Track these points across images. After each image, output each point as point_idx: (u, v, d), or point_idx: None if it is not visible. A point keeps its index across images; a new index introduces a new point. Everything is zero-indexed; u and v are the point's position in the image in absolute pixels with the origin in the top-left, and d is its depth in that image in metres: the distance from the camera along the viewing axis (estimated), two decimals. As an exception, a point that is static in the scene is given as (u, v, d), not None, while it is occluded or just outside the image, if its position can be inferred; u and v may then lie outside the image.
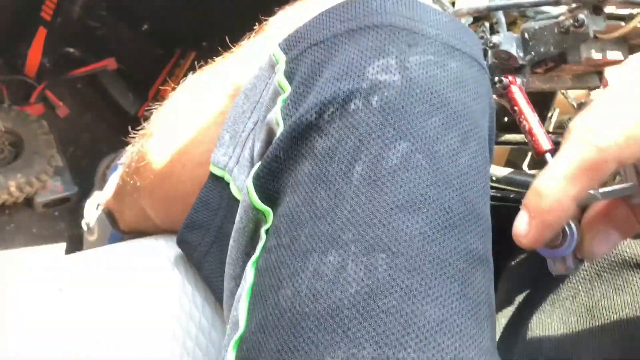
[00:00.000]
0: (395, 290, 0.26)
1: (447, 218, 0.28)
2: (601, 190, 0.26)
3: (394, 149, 0.28)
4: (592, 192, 0.26)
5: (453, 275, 0.27)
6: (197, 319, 0.46)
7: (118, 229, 0.57)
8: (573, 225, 0.27)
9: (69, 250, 0.73)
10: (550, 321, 0.39)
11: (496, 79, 0.38)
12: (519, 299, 0.44)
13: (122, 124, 0.55)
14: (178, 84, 0.50)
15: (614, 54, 0.37)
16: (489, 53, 0.39)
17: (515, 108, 0.36)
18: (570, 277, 0.40)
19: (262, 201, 0.31)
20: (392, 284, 0.26)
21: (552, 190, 0.25)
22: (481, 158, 0.31)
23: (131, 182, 0.50)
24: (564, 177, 0.25)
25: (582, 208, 0.28)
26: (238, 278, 0.34)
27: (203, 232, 0.41)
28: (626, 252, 0.38)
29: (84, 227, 0.65)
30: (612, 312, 0.36)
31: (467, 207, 0.29)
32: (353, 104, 0.29)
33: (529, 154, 0.63)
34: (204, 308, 0.47)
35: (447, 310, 0.27)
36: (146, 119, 0.51)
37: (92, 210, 0.64)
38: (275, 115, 0.32)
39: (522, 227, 0.26)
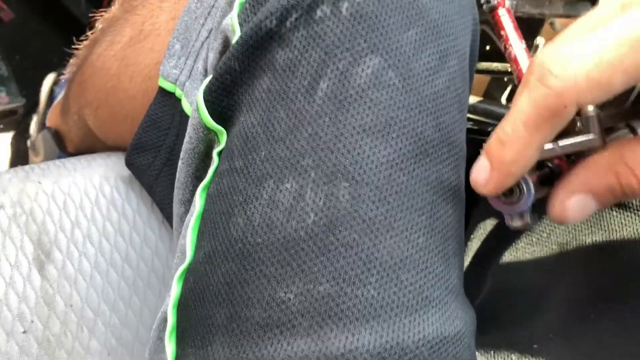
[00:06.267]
0: (357, 222, 0.24)
1: (418, 145, 0.26)
2: (560, 143, 0.25)
3: (363, 65, 0.25)
4: (551, 145, 0.25)
5: (421, 208, 0.25)
6: (152, 242, 0.44)
7: (65, 150, 0.53)
8: (529, 180, 0.26)
9: (13, 165, 0.69)
10: (522, 257, 0.38)
11: None
12: (490, 232, 0.43)
13: (74, 34, 0.50)
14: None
15: None
16: None
17: (502, 33, 0.33)
18: (546, 215, 0.40)
19: (215, 119, 0.28)
20: (354, 215, 0.24)
21: (515, 140, 0.23)
22: (460, 80, 0.28)
23: (76, 98, 0.46)
24: (525, 127, 0.23)
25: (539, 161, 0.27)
26: (187, 203, 0.31)
27: (153, 154, 0.38)
28: None
29: (29, 147, 0.61)
30: (585, 248, 0.36)
31: (442, 134, 0.26)
32: (320, 11, 0.26)
33: (509, 87, 0.60)
34: (161, 231, 0.44)
35: (413, 245, 0.25)
36: (93, 26, 0.46)
37: (38, 128, 0.60)
38: (232, 21, 0.28)
39: (483, 176, 0.24)
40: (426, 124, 0.26)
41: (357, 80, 0.25)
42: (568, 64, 0.21)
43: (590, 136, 0.25)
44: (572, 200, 0.25)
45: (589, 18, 0.23)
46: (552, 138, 0.24)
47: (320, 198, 0.24)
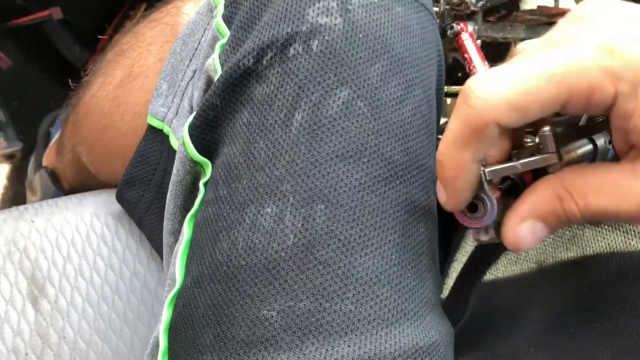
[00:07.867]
0: (333, 242, 0.26)
1: (388, 169, 0.27)
2: (521, 161, 0.26)
3: (334, 96, 0.27)
4: (512, 164, 0.26)
5: (393, 227, 0.27)
6: (142, 275, 0.45)
7: (60, 188, 0.55)
8: (492, 196, 0.26)
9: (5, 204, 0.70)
10: (502, 276, 0.39)
11: (447, 25, 0.37)
12: (471, 254, 0.44)
13: (69, 78, 0.52)
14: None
15: (566, 3, 0.37)
16: None
17: (466, 56, 0.36)
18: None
19: (200, 152, 0.30)
20: (330, 235, 0.26)
21: (448, 158, 0.24)
22: (427, 107, 0.30)
23: (71, 136, 0.48)
24: (454, 145, 0.24)
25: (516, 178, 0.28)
26: (176, 233, 0.33)
27: (143, 188, 0.40)
28: None
29: (27, 186, 0.63)
30: (561, 264, 0.37)
31: (410, 157, 0.28)
32: (292, 49, 0.28)
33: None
34: (149, 264, 0.45)
35: (387, 261, 0.26)
36: (87, 70, 0.49)
37: (35, 169, 0.62)
38: (214, 62, 0.30)
39: (442, 196, 0.26)
40: (395, 149, 0.27)
41: (329, 111, 0.27)
42: (489, 87, 0.23)
43: (547, 154, 0.26)
44: (523, 227, 0.25)
45: (528, 48, 0.25)
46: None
47: (299, 220, 0.26)
